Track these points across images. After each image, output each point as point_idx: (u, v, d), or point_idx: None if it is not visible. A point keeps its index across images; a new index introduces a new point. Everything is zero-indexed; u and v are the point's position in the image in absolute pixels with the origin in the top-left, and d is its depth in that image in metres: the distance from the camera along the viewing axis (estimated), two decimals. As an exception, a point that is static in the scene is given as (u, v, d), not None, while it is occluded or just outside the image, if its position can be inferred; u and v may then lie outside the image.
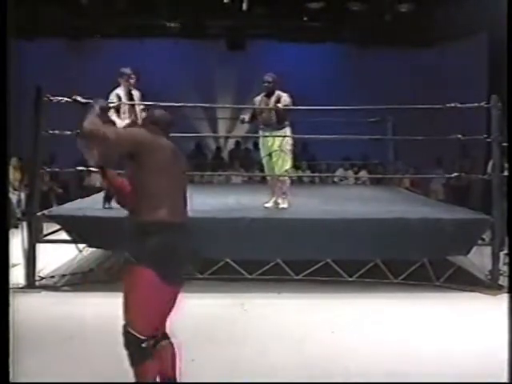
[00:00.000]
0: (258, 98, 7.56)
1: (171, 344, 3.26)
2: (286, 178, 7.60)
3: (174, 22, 13.77)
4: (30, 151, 6.78)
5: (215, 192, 9.92)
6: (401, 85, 13.14)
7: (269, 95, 7.45)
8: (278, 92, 7.45)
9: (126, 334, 3.08)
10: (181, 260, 3.20)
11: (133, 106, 7.33)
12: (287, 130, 7.51)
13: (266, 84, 7.46)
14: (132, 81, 7.40)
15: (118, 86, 7.39)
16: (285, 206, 7.49)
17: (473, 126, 7.79)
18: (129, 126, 6.93)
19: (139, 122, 7.25)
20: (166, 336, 3.27)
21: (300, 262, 6.65)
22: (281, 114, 7.40)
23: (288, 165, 7.52)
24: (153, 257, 3.06)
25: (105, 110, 3.32)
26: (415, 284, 6.63)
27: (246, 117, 7.63)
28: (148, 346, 3.08)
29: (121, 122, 7.13)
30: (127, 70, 7.43)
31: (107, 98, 7.19)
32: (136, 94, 7.46)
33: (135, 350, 3.07)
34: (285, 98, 7.38)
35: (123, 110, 7.27)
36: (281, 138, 7.44)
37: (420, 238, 6.62)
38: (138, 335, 3.06)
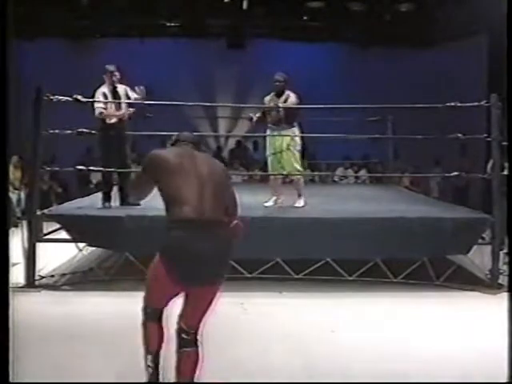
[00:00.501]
0: (267, 98, 7.57)
1: (195, 352, 3.43)
2: (300, 177, 7.70)
3: (173, 21, 13.78)
4: (30, 150, 6.79)
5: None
6: (401, 85, 13.14)
7: (278, 95, 7.46)
8: (287, 92, 7.49)
9: (143, 300, 3.61)
10: (189, 261, 3.29)
11: (119, 102, 7.36)
12: (295, 130, 7.55)
13: (276, 83, 7.49)
14: (115, 78, 7.37)
15: (103, 83, 7.38)
16: (300, 204, 7.61)
17: (473, 126, 7.78)
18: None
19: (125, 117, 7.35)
20: (195, 343, 3.45)
21: (300, 261, 6.65)
22: (289, 114, 7.42)
23: (298, 164, 7.59)
24: (162, 250, 3.36)
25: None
26: (415, 283, 6.63)
27: (255, 116, 7.64)
28: (151, 312, 3.56)
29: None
30: (111, 67, 7.43)
31: (93, 97, 7.22)
32: (121, 90, 7.43)
33: (143, 313, 3.61)
34: (292, 98, 7.41)
35: (109, 106, 7.27)
36: (289, 138, 7.47)
37: (420, 237, 6.62)
38: (146, 304, 3.59)
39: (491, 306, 6.06)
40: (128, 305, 5.95)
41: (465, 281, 6.92)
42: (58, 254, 7.36)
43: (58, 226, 7.11)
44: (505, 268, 6.76)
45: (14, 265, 6.26)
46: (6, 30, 3.00)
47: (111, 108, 7.31)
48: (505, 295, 5.87)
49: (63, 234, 6.98)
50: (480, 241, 6.99)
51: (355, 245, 6.55)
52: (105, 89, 7.35)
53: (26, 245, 6.60)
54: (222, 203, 3.44)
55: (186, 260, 3.29)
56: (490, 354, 4.53)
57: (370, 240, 6.59)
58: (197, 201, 3.33)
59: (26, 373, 3.96)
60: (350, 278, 6.66)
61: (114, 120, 7.29)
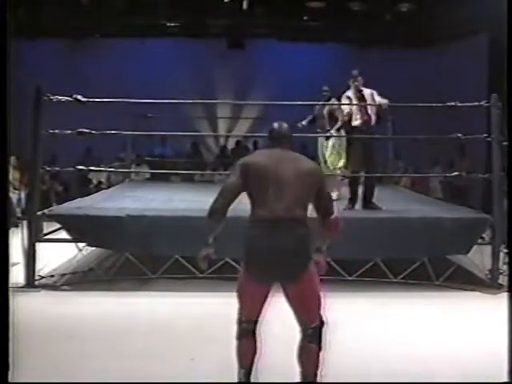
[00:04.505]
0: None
1: (315, 349, 3.58)
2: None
3: (174, 21, 13.77)
4: (30, 151, 6.79)
5: (215, 191, 9.90)
6: (401, 85, 13.12)
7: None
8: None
9: (238, 313, 3.61)
10: (267, 258, 3.46)
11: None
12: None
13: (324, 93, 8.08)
14: (358, 82, 7.50)
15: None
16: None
17: (473, 126, 7.78)
18: None
19: None
20: (317, 338, 3.59)
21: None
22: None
23: (341, 163, 8.16)
24: (243, 254, 3.53)
25: None
26: (415, 283, 6.63)
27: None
28: (246, 328, 3.57)
29: None
30: (354, 72, 7.61)
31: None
32: (367, 93, 7.49)
33: (237, 328, 3.61)
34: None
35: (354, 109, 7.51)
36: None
37: (420, 237, 6.62)
38: (240, 316, 3.60)
39: (491, 305, 6.06)
40: (128, 305, 5.99)
41: (465, 281, 6.92)
42: (58, 253, 7.36)
43: (58, 225, 7.11)
44: (505, 268, 6.76)
45: (14, 265, 6.27)
46: (6, 30, 3.00)
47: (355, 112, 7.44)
48: (505, 295, 5.87)
49: (63, 234, 6.98)
50: (480, 241, 6.99)
51: (355, 245, 6.54)
52: (349, 93, 7.51)
53: (26, 245, 6.60)
54: (303, 202, 3.59)
55: (262, 257, 3.47)
56: (490, 354, 4.53)
57: (369, 240, 6.58)
58: (273, 202, 3.50)
59: (26, 373, 3.96)
60: (350, 278, 6.66)
61: (357, 122, 7.39)
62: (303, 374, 3.61)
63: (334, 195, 8.34)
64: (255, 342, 3.60)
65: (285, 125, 3.80)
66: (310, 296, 3.57)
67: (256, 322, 3.59)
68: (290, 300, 3.62)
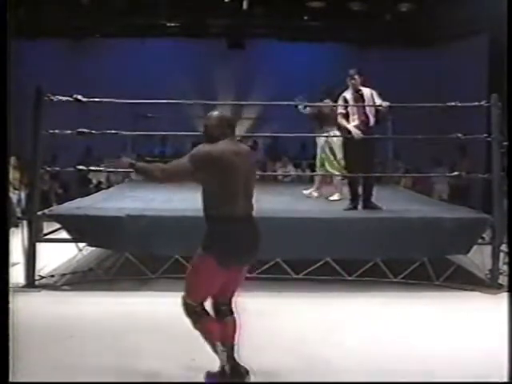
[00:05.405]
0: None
1: (234, 319, 3.96)
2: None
3: (174, 21, 13.77)
4: (30, 151, 6.79)
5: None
6: (401, 85, 13.13)
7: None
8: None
9: (184, 303, 3.84)
10: (239, 248, 3.77)
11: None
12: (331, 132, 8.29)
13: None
14: (355, 81, 7.38)
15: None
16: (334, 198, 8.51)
17: (473, 126, 7.78)
18: None
19: None
20: (231, 312, 3.96)
21: (300, 261, 6.66)
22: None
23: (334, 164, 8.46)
24: (213, 246, 3.73)
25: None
26: (415, 283, 6.63)
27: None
28: (199, 310, 3.83)
29: None
30: (351, 71, 7.50)
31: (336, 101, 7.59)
32: (367, 93, 7.38)
33: (192, 314, 3.82)
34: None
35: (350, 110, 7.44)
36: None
37: (420, 237, 6.63)
38: (192, 303, 3.82)
39: (491, 305, 6.06)
40: (128, 305, 5.99)
41: (465, 281, 6.92)
42: (58, 253, 7.36)
43: (57, 225, 7.11)
44: (505, 268, 6.76)
45: (14, 265, 6.27)
46: (6, 30, 3.00)
47: (353, 113, 7.34)
48: (505, 295, 5.88)
49: (63, 234, 6.98)
50: (480, 241, 6.99)
51: (355, 245, 6.55)
52: (347, 93, 7.40)
53: (26, 245, 6.60)
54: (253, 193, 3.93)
55: (239, 248, 3.76)
56: (490, 354, 4.53)
57: (370, 240, 6.59)
58: (243, 199, 3.77)
59: (26, 373, 3.97)
60: (350, 278, 6.66)
61: (355, 123, 7.28)
62: (226, 342, 3.87)
63: (336, 196, 8.45)
64: (211, 316, 3.89)
65: (227, 113, 4.03)
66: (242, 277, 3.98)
67: (202, 304, 3.87)
68: (230, 281, 3.86)
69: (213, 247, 3.73)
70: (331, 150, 8.46)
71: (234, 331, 3.94)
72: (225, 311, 3.95)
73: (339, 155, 8.26)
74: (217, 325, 3.86)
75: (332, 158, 8.49)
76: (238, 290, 3.99)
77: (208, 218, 3.78)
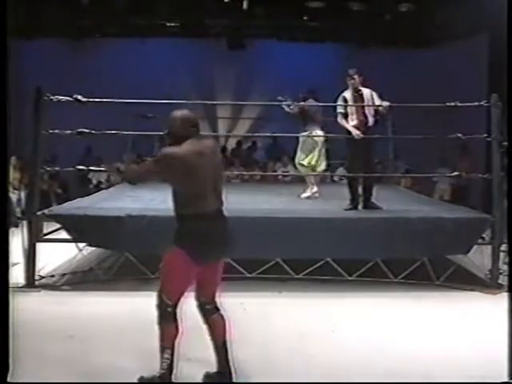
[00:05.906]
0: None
1: (221, 316, 3.99)
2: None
3: (173, 21, 13.76)
4: (30, 151, 6.78)
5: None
6: (401, 85, 13.13)
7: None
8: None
9: (159, 299, 3.83)
10: (210, 244, 3.81)
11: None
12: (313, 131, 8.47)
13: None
14: (354, 81, 7.38)
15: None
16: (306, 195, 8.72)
17: (473, 126, 7.78)
18: None
19: None
20: (217, 309, 3.99)
21: (300, 261, 6.65)
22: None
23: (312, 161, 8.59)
24: (184, 241, 3.77)
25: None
26: (415, 283, 6.64)
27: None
28: (171, 311, 3.79)
29: None
30: (350, 71, 7.53)
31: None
32: (366, 93, 7.38)
33: (162, 311, 3.81)
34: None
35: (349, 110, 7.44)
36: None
37: (420, 237, 6.63)
38: (167, 301, 3.80)
39: (491, 306, 6.06)
40: (128, 305, 5.99)
41: (465, 281, 6.92)
42: (58, 254, 7.35)
43: (57, 225, 7.11)
44: (505, 268, 6.76)
45: (14, 265, 6.27)
46: (6, 30, 3.00)
47: (352, 113, 7.33)
48: (505, 295, 5.86)
49: (63, 234, 6.98)
50: (480, 241, 6.99)
51: (355, 245, 6.55)
52: (347, 93, 7.39)
53: (26, 245, 6.60)
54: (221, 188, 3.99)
55: (209, 243, 3.80)
56: (490, 353, 4.53)
57: (370, 240, 6.59)
58: (211, 196, 3.82)
59: (26, 373, 3.97)
60: (350, 278, 6.66)
61: (354, 123, 7.27)
62: (218, 340, 3.94)
63: (307, 193, 8.70)
64: (177, 323, 3.85)
65: (189, 112, 3.97)
66: (220, 274, 4.02)
67: (176, 306, 3.84)
68: (206, 277, 3.91)
69: (183, 242, 3.77)
70: (305, 149, 8.58)
71: (224, 328, 3.96)
72: (210, 310, 3.98)
73: (313, 155, 8.51)
74: (175, 333, 3.83)
75: (303, 156, 8.60)
76: (218, 288, 4.01)
77: (178, 216, 3.83)
